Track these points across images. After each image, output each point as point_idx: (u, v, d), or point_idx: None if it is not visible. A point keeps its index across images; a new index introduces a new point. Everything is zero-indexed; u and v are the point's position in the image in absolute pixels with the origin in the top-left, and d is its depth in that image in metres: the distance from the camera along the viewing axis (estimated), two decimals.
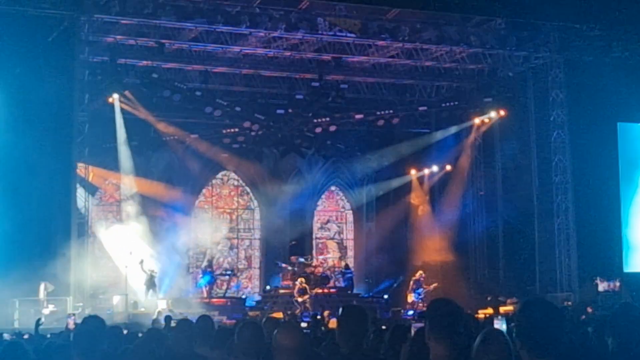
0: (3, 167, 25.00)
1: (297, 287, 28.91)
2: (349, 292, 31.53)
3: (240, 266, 34.93)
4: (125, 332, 14.49)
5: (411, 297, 30.26)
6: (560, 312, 4.25)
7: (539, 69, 30.54)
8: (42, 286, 24.27)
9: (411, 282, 30.74)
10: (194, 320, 7.98)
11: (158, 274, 28.50)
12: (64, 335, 14.83)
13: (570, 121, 29.64)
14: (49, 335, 15.28)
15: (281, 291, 30.48)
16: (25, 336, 15.54)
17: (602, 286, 27.89)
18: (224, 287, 32.77)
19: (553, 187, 29.96)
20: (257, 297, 32.39)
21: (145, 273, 27.80)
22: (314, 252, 35.00)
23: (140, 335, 11.48)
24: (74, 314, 22.25)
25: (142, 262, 27.61)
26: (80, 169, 26.43)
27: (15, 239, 23.90)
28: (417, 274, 30.85)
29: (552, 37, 29.48)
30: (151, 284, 27.92)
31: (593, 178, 28.84)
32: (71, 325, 19.41)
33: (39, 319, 14.33)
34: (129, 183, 30.14)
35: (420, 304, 29.28)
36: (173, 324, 16.06)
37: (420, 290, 30.24)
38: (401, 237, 34.27)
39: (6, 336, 15.30)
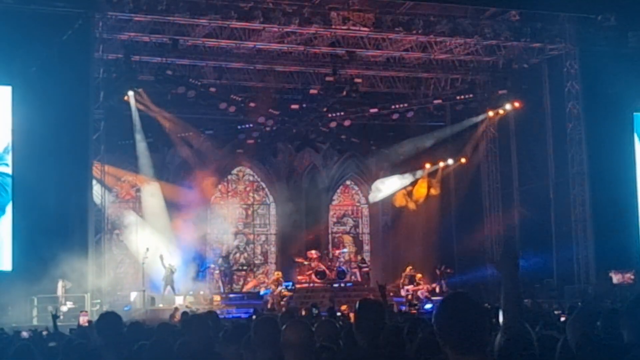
0: (20, 165, 25.12)
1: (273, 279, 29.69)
2: (366, 286, 31.53)
3: (257, 261, 34.99)
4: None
5: (402, 292, 30.20)
6: (481, 308, 3.92)
7: (554, 60, 30.39)
8: (59, 283, 24.35)
9: (403, 278, 30.70)
10: None
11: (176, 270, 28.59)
12: (77, 332, 14.85)
13: (586, 112, 29.47)
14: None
15: (298, 286, 30.52)
16: (44, 332, 15.60)
17: (616, 278, 27.74)
18: (241, 282, 32.81)
19: (569, 178, 29.82)
20: None
21: (165, 268, 27.86)
22: (330, 246, 35.01)
23: None
24: (86, 311, 22.33)
25: (162, 257, 27.68)
26: (96, 170, 26.45)
27: (33, 237, 23.99)
28: (408, 269, 30.82)
29: (567, 28, 29.33)
30: (170, 279, 27.98)
31: (609, 169, 28.68)
32: (83, 322, 19.39)
33: (55, 314, 14.31)
34: (145, 180, 30.25)
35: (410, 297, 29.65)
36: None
37: (411, 286, 30.22)
38: (418, 231, 34.22)
39: (24, 334, 15.36)
